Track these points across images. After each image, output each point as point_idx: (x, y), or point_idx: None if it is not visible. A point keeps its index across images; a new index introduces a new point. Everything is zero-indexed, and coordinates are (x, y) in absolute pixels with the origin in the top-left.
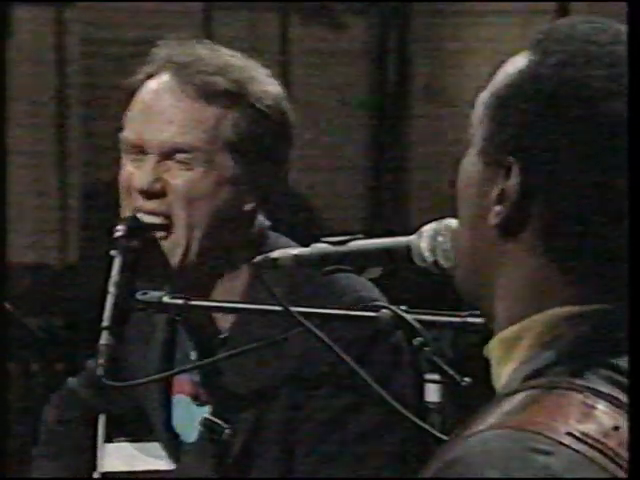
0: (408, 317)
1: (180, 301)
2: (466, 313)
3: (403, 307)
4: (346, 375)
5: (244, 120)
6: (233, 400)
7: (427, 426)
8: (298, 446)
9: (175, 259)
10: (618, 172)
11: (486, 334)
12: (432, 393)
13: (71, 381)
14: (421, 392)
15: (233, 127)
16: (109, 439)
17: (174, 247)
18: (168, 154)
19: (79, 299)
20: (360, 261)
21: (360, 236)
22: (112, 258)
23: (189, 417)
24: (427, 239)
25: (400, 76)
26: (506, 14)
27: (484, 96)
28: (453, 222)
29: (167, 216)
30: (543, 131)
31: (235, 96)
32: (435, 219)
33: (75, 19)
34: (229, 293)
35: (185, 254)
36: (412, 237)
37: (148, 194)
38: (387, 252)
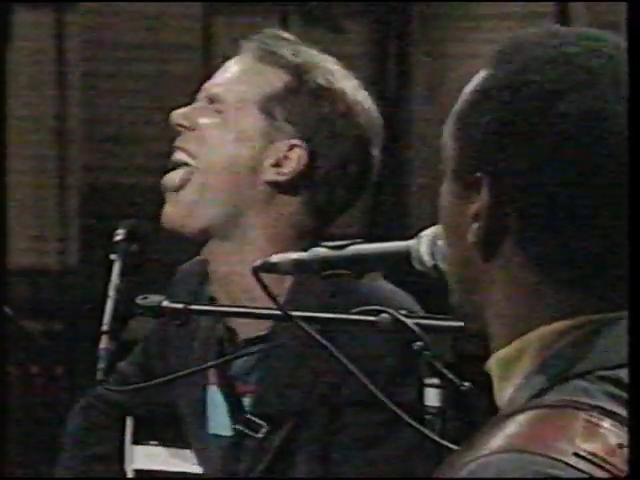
0: (408, 321)
1: (180, 305)
2: None
3: (403, 311)
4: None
5: (293, 100)
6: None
7: (427, 431)
8: (333, 456)
9: (193, 196)
10: (588, 170)
11: (485, 345)
12: (432, 397)
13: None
14: (421, 397)
15: (280, 100)
16: (137, 443)
17: (193, 192)
18: (209, 99)
19: (79, 303)
20: (359, 266)
21: (359, 240)
22: (112, 262)
23: (223, 413)
24: (426, 243)
25: (400, 79)
26: (507, 17)
27: (449, 120)
28: None
29: (191, 156)
30: (505, 142)
31: (295, 74)
32: (435, 223)
33: (75, 22)
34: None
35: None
36: (411, 241)
37: (179, 127)
38: (386, 256)
